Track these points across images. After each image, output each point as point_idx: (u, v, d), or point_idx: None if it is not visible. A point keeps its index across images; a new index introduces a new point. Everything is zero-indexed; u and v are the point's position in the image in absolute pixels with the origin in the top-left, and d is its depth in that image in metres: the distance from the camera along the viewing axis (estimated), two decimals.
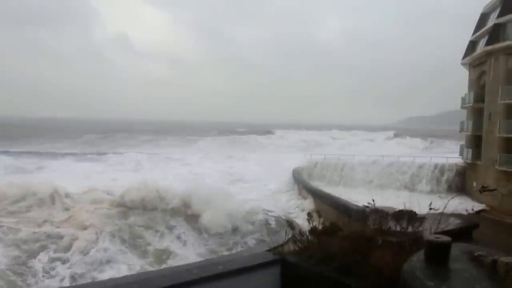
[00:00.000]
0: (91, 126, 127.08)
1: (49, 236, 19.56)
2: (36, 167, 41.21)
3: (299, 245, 6.01)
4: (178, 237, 20.83)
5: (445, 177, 32.22)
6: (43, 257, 17.35)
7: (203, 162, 46.60)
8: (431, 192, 30.34)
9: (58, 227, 21.07)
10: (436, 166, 33.15)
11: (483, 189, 18.12)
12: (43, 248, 18.24)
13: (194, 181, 29.16)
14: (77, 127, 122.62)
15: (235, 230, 21.74)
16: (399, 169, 33.87)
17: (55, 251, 17.98)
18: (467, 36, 33.45)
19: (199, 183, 27.62)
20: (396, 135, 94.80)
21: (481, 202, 26.12)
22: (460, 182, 31.77)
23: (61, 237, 19.40)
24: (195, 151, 58.19)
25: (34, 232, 19.90)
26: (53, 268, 16.46)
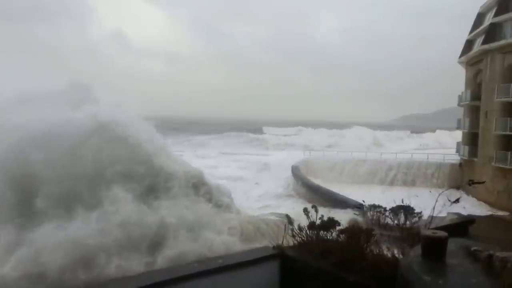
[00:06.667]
0: None
1: None
2: None
3: (298, 240, 6.08)
4: None
5: (442, 174, 32.44)
6: None
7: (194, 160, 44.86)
8: (429, 189, 30.52)
9: None
10: (433, 163, 33.38)
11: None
12: None
13: None
14: None
15: None
16: (398, 166, 34.04)
17: None
18: (465, 34, 33.54)
19: None
20: (413, 133, 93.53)
21: (478, 199, 26.33)
22: (457, 179, 31.94)
23: None
24: (192, 148, 57.93)
25: None
26: None
